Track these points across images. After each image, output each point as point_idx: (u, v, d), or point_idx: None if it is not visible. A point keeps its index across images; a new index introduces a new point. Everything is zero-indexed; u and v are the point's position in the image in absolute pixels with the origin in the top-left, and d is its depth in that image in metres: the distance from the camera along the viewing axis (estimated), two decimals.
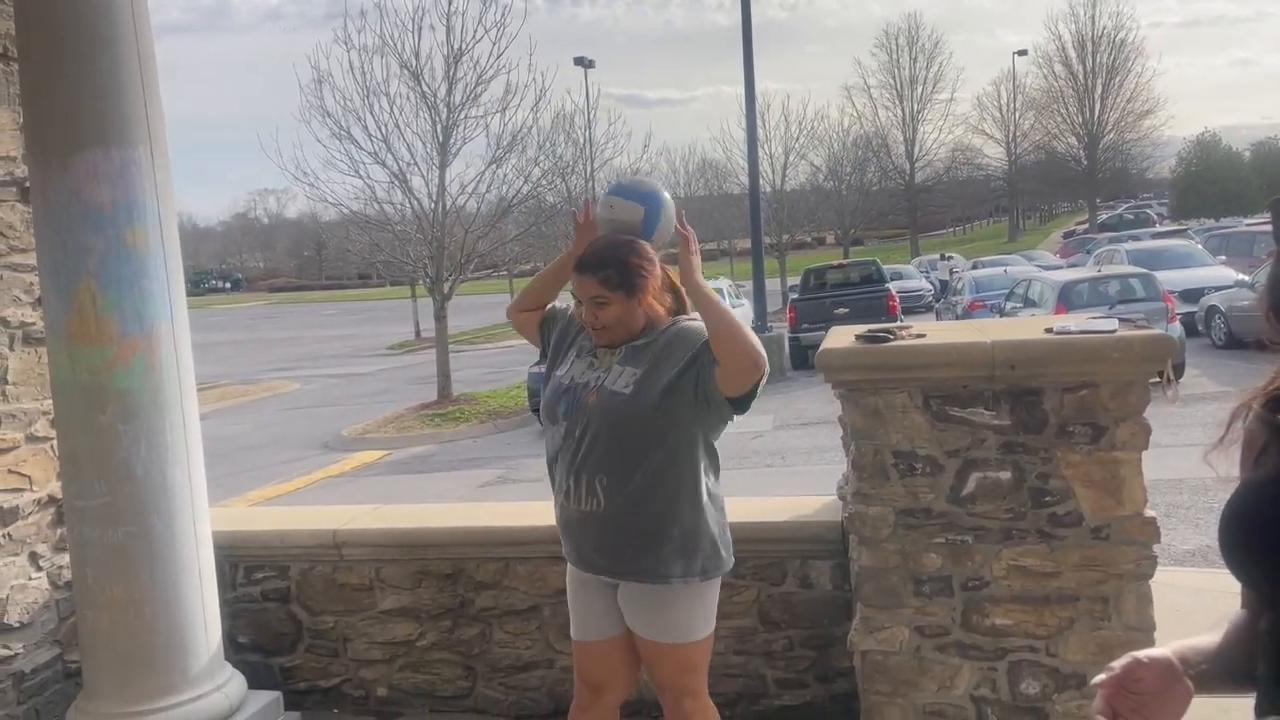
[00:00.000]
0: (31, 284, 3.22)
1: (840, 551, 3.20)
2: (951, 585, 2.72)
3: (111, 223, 2.76)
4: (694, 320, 2.49)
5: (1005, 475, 2.68)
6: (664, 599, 2.40)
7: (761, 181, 23.64)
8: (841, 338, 2.89)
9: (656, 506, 2.37)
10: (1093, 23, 55.04)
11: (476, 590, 3.46)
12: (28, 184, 3.10)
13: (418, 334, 33.12)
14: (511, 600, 3.44)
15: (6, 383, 3.17)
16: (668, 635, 2.42)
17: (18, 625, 3.19)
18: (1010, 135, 59.33)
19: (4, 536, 3.15)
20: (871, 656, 2.78)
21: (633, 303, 2.44)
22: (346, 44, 15.94)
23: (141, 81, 2.86)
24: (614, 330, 2.46)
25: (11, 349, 3.19)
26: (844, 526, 3.10)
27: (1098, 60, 54.73)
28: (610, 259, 2.45)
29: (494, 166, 17.11)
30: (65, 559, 3.27)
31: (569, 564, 2.57)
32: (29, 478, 3.23)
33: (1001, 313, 15.93)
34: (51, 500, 3.28)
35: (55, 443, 3.17)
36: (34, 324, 3.23)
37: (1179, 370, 11.87)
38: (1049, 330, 2.75)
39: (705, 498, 2.43)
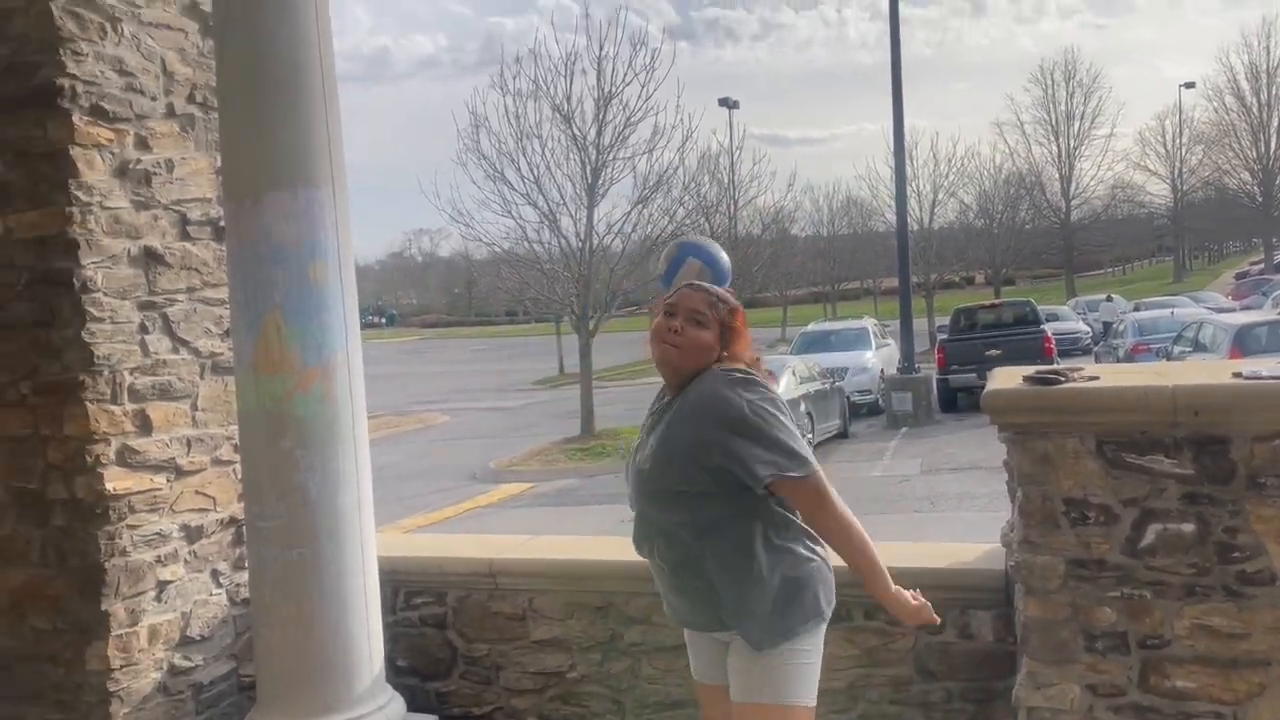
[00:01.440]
0: (221, 317, 3.44)
1: (1003, 601, 3.08)
2: (1128, 642, 2.57)
3: (296, 258, 2.93)
4: (732, 371, 2.33)
5: (1188, 527, 2.52)
6: (745, 658, 2.31)
7: (909, 219, 23.20)
8: (1008, 379, 2.80)
9: (709, 574, 2.30)
10: (1267, 53, 52.11)
11: (627, 624, 3.47)
12: (221, 223, 3.33)
13: (562, 369, 33.77)
14: (660, 637, 3.43)
15: (197, 409, 3.38)
16: (756, 695, 2.30)
17: (199, 638, 3.38)
18: (1176, 171, 56.50)
19: (190, 554, 3.35)
20: (1039, 714, 2.65)
21: (718, 344, 2.36)
22: (502, 89, 16.60)
23: (327, 126, 3.04)
24: (681, 355, 2.34)
25: (202, 377, 3.41)
26: (1008, 575, 2.98)
27: (1274, 92, 51.70)
28: (727, 296, 2.42)
29: (640, 206, 17.41)
30: (242, 577, 3.45)
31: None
32: (214, 499, 3.43)
33: (1169, 357, 15.09)
34: (233, 520, 3.48)
35: (238, 466, 3.37)
36: (222, 354, 3.45)
37: None
38: (1237, 374, 2.59)
39: (764, 557, 2.29)
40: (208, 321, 3.44)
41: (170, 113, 3.34)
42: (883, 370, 19.49)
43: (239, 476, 3.32)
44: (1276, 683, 2.49)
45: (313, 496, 2.96)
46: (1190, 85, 55.77)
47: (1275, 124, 51.52)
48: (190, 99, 3.42)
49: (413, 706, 3.33)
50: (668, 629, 3.42)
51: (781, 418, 2.28)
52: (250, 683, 3.36)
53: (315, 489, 2.96)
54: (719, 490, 2.26)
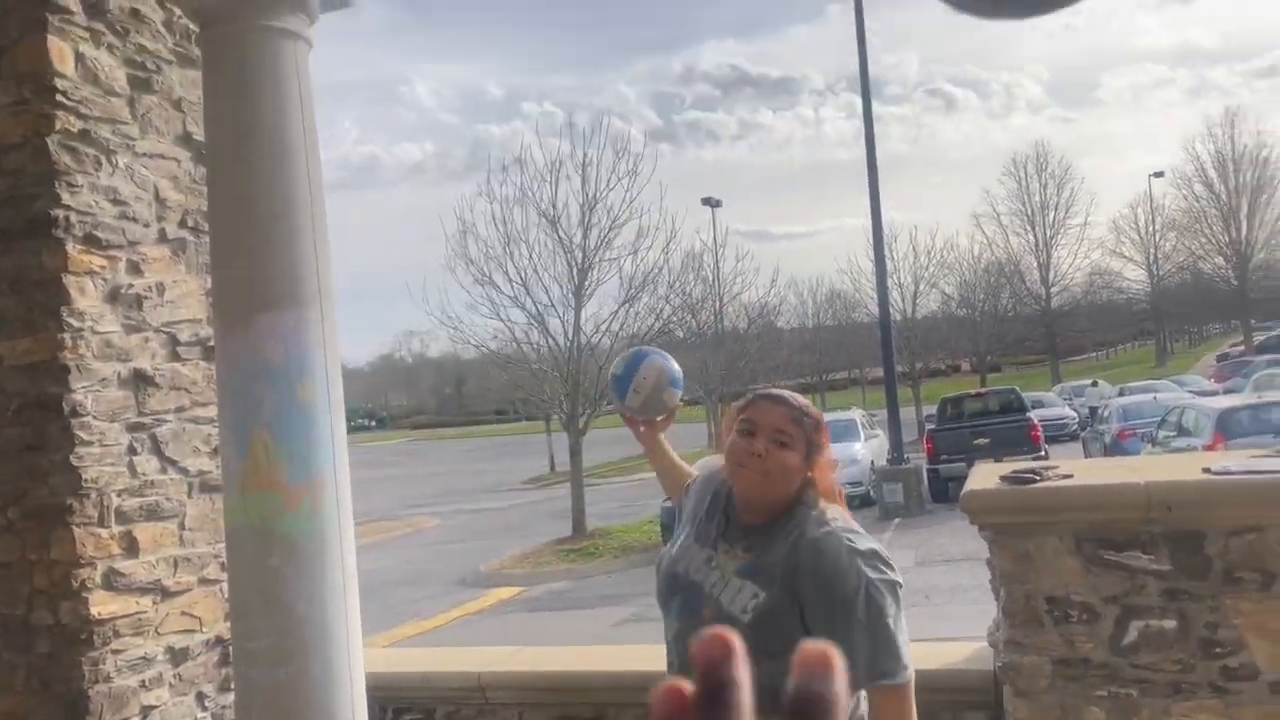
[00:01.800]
0: (210, 435, 3.48)
1: (994, 702, 3.07)
2: None
3: (284, 377, 2.98)
4: (833, 527, 2.02)
5: (1170, 624, 2.55)
6: None
7: (891, 310, 23.52)
8: (986, 478, 2.85)
9: None
10: (1232, 141, 53.63)
11: None
12: (210, 343, 3.39)
13: (552, 468, 33.63)
14: None
15: (184, 528, 3.39)
16: None
17: None
18: (1151, 257, 57.56)
19: (175, 677, 3.32)
20: None
21: (804, 466, 2.06)
22: (489, 197, 16.94)
23: (315, 246, 3.13)
24: (769, 482, 2.04)
25: (190, 496, 3.43)
26: (996, 676, 2.98)
27: (1241, 179, 53.06)
28: (809, 407, 2.15)
29: (626, 306, 17.64)
30: (228, 699, 3.41)
31: None
32: (200, 619, 3.42)
33: (1154, 442, 15.18)
34: (219, 640, 3.45)
35: (224, 585, 3.36)
36: (210, 473, 3.47)
37: None
38: (1207, 470, 2.65)
39: None
40: (196, 440, 3.48)
41: (162, 238, 3.43)
42: (873, 461, 19.49)
43: (225, 595, 3.32)
44: None
45: (300, 614, 2.95)
46: (1159, 174, 57.23)
47: (1245, 209, 52.76)
48: (182, 224, 3.51)
49: None
50: None
51: (898, 607, 1.97)
52: None
53: (303, 606, 2.95)
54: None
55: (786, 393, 2.18)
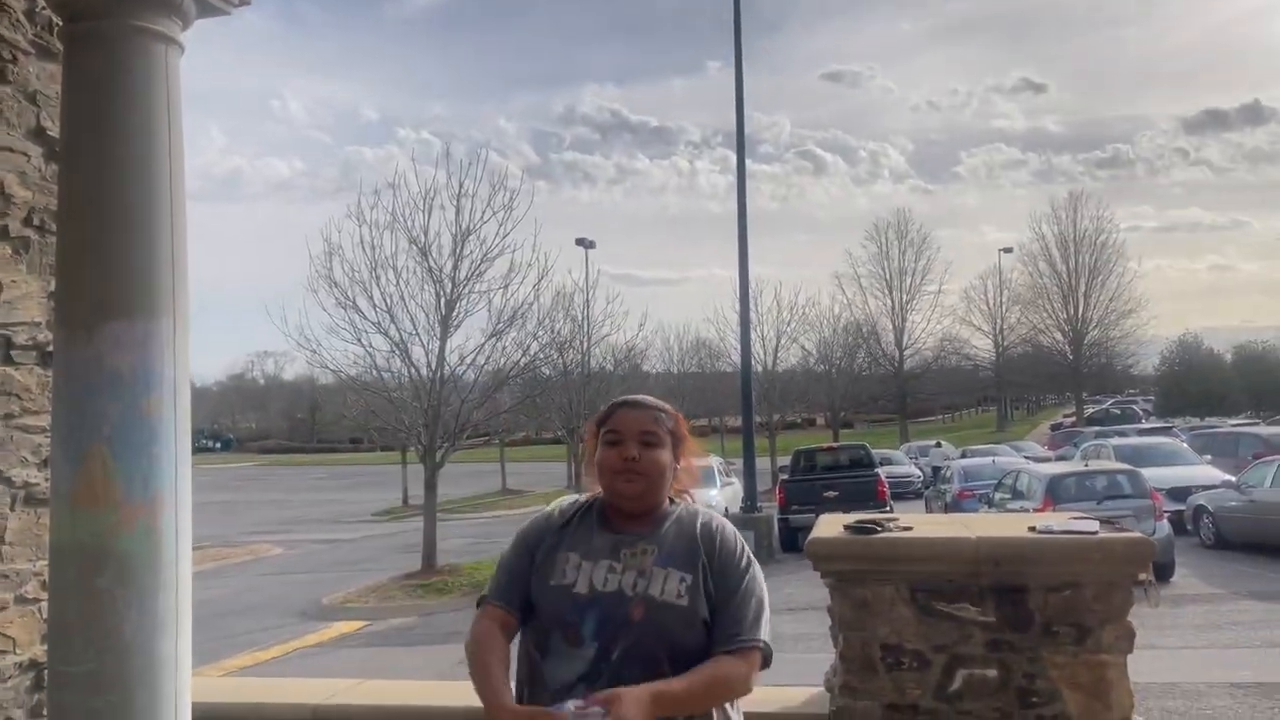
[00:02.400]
0: (40, 445, 3.29)
1: None
2: None
3: (129, 391, 2.85)
4: (711, 512, 2.25)
5: (992, 673, 2.69)
6: None
7: (754, 362, 24.08)
8: (831, 527, 2.96)
9: None
10: (1074, 224, 57.39)
11: None
12: (49, 348, 3.22)
13: (405, 500, 32.88)
14: None
15: (4, 543, 3.19)
16: None
17: None
18: (997, 328, 60.77)
19: None
20: None
21: (673, 459, 2.19)
22: (359, 219, 16.59)
23: (172, 255, 3.02)
24: (649, 483, 2.14)
25: (12, 509, 3.23)
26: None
27: (1080, 260, 56.74)
28: (664, 404, 2.26)
29: (494, 339, 17.51)
30: None
31: None
32: (14, 640, 3.21)
33: (990, 503, 15.96)
34: (33, 664, 3.24)
35: (44, 605, 3.17)
36: (37, 485, 3.28)
37: (1167, 570, 11.82)
38: (1033, 528, 2.82)
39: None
40: (24, 450, 3.28)
41: (4, 235, 3.26)
42: (726, 508, 19.79)
43: (44, 616, 3.13)
44: None
45: (127, 639, 2.80)
46: (1008, 250, 60.68)
47: (1083, 289, 56.38)
48: (27, 221, 3.34)
49: None
50: None
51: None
52: None
53: (131, 631, 2.81)
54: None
55: (641, 396, 2.30)
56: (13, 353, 3.26)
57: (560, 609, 2.09)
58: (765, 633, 2.11)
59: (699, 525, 2.18)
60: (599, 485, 2.23)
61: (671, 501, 2.24)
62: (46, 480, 3.14)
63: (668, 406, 2.28)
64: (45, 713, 2.99)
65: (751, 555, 2.21)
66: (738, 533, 2.23)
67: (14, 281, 3.28)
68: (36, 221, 3.37)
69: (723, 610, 2.08)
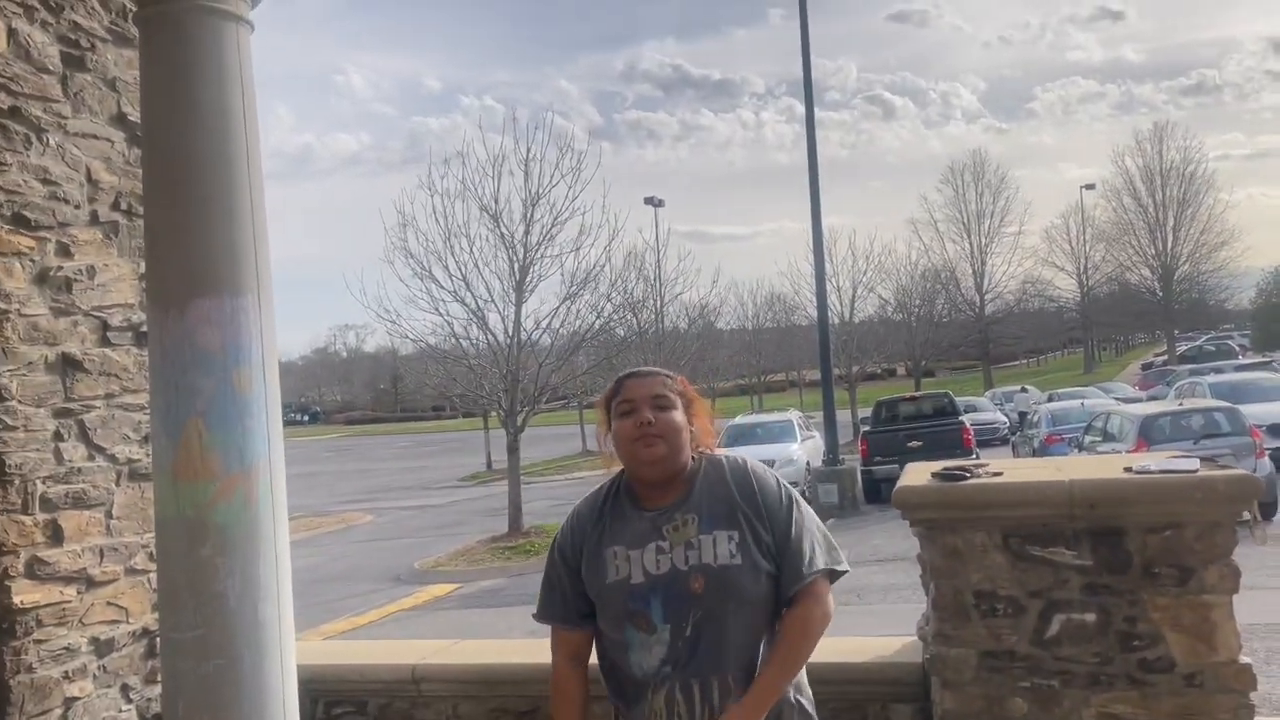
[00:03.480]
0: (140, 423, 3.41)
1: (922, 694, 3.13)
2: None
3: (220, 366, 2.93)
4: (732, 455, 2.31)
5: (1090, 617, 2.63)
6: None
7: (830, 314, 23.79)
8: (918, 475, 2.91)
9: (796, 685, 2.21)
10: (1160, 157, 55.32)
11: None
12: (143, 329, 3.33)
13: (489, 465, 33.45)
14: None
15: (111, 517, 3.32)
16: None
17: None
18: (1081, 267, 59.10)
19: (100, 668, 3.25)
20: None
21: (686, 418, 2.23)
22: (430, 190, 16.77)
23: (253, 233, 3.08)
24: (669, 444, 2.17)
25: (118, 484, 3.35)
26: (925, 668, 3.05)
27: (1168, 193, 54.73)
28: (668, 371, 2.32)
29: (568, 303, 17.61)
30: (154, 691, 3.35)
31: None
32: (126, 610, 3.35)
33: (1080, 447, 15.59)
34: (145, 632, 3.39)
35: (152, 576, 3.30)
36: (140, 461, 3.41)
37: (1270, 509, 11.43)
38: (1128, 469, 2.74)
39: None
40: (126, 428, 3.41)
41: (94, 220, 3.36)
42: (808, 462, 19.72)
43: (153, 586, 3.26)
44: None
45: (232, 605, 2.91)
46: (1090, 187, 58.86)
47: (1171, 223, 54.41)
48: (115, 206, 3.44)
49: None
50: None
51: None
52: None
53: (235, 598, 2.91)
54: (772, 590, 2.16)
55: (643, 367, 2.39)
56: (109, 334, 3.38)
57: (624, 602, 2.14)
58: (823, 558, 2.17)
59: (730, 476, 2.21)
60: (615, 463, 2.28)
61: (693, 459, 2.26)
62: (148, 456, 3.26)
63: (670, 372, 2.32)
64: (160, 678, 3.13)
65: (789, 487, 2.25)
66: (767, 469, 2.27)
67: (106, 265, 3.39)
68: (124, 206, 3.47)
69: (783, 555, 2.14)
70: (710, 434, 2.33)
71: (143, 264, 3.33)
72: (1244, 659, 2.57)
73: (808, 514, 2.23)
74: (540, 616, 2.32)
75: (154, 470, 3.03)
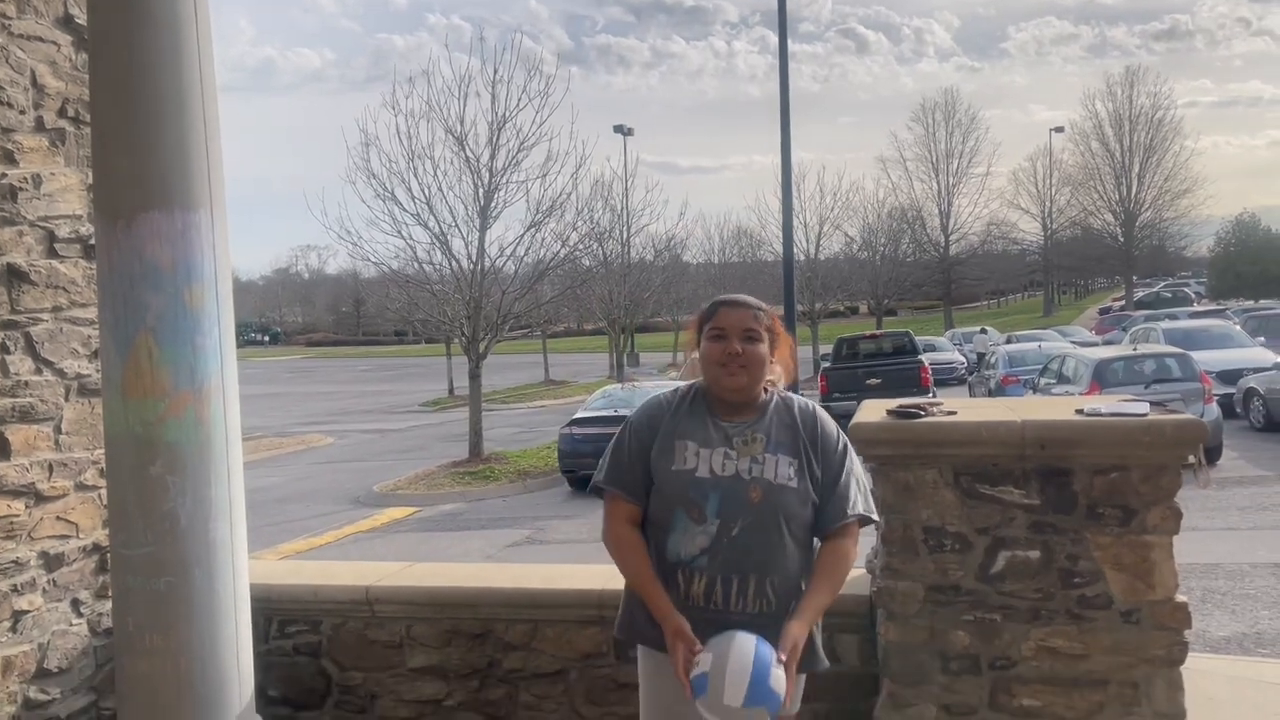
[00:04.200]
0: (89, 337, 3.34)
1: (868, 626, 3.20)
2: (979, 664, 2.72)
3: (171, 282, 2.87)
4: (803, 400, 2.51)
5: (1034, 554, 2.69)
6: (795, 681, 2.32)
7: (795, 250, 23.78)
8: (874, 412, 2.94)
9: (796, 595, 2.36)
10: (1130, 102, 55.36)
11: (505, 651, 3.48)
12: (91, 241, 3.24)
13: (451, 391, 33.39)
14: (539, 663, 3.46)
15: (61, 432, 3.27)
16: (790, 710, 2.34)
17: (56, 670, 3.25)
18: (1046, 211, 59.42)
19: (49, 583, 3.23)
20: None
21: (769, 354, 2.42)
22: (394, 109, 16.41)
23: (206, 146, 3.00)
24: (751, 374, 2.37)
25: (67, 399, 3.30)
26: (872, 600, 3.11)
27: (1135, 139, 54.89)
28: (761, 303, 2.48)
29: (533, 230, 17.44)
30: (105, 606, 3.34)
31: (664, 656, 2.28)
32: (76, 525, 3.32)
33: (1035, 389, 15.83)
34: (96, 548, 3.36)
35: (103, 492, 3.27)
36: (89, 376, 3.35)
37: (1215, 453, 11.72)
38: (1080, 411, 2.78)
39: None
40: (75, 342, 3.34)
41: (39, 126, 3.24)
42: None
43: (104, 503, 3.23)
44: (1114, 700, 2.66)
45: (183, 524, 2.89)
46: (1059, 130, 58.86)
47: (1136, 169, 54.69)
48: (61, 113, 3.32)
49: None
50: (546, 655, 3.45)
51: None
52: (111, 716, 3.25)
53: (186, 516, 2.89)
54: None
55: (741, 296, 2.51)
56: (56, 245, 3.29)
57: (684, 490, 2.32)
58: (862, 504, 2.39)
59: (798, 413, 2.43)
60: (700, 375, 2.47)
61: (765, 390, 2.45)
62: (98, 371, 3.20)
63: (765, 305, 2.48)
64: (110, 593, 3.12)
65: (845, 436, 2.48)
66: (830, 417, 2.47)
67: (53, 174, 3.28)
68: (71, 113, 3.35)
69: (829, 493, 2.35)
70: (789, 371, 2.53)
71: (91, 174, 3.23)
72: (1180, 597, 2.64)
73: (856, 463, 2.44)
74: (606, 482, 2.45)
75: (103, 385, 2.98)
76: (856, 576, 3.36)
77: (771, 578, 2.29)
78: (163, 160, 2.90)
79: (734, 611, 2.28)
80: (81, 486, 3.34)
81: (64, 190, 3.32)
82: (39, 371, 3.21)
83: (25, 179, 3.18)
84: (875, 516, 2.45)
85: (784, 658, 2.17)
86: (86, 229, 3.34)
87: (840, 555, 2.35)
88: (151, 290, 2.87)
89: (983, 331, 36.66)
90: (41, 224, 3.24)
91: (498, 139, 16.65)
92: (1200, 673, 3.37)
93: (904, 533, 2.76)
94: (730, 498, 2.29)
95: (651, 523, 2.39)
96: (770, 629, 2.25)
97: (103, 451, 3.14)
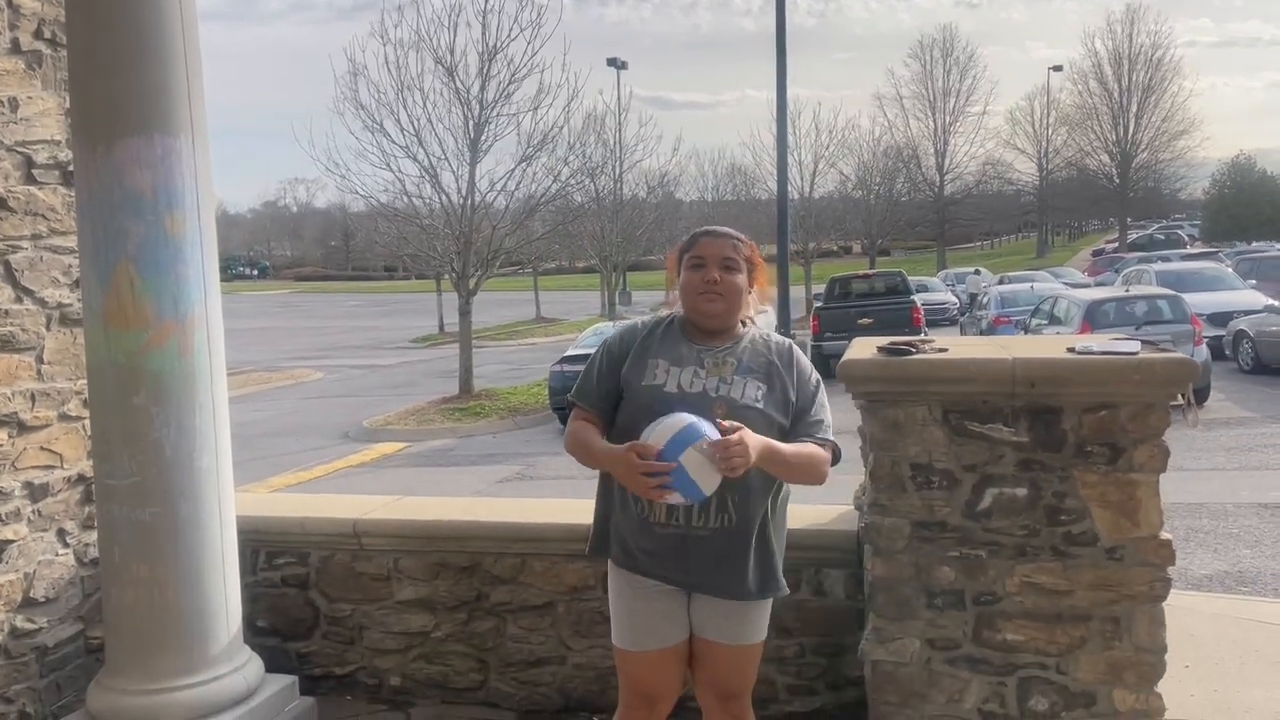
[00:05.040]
0: (70, 266, 3.29)
1: (855, 561, 3.22)
2: (964, 599, 2.73)
3: (151, 209, 2.82)
4: (779, 336, 2.58)
5: (1021, 492, 2.69)
6: (758, 606, 2.48)
7: (790, 188, 23.59)
8: (864, 349, 2.91)
9: (776, 520, 2.47)
10: (1130, 40, 54.71)
11: (492, 584, 3.50)
12: (70, 168, 3.17)
13: (441, 328, 33.31)
14: (526, 596, 3.47)
15: (42, 362, 3.24)
16: (754, 637, 2.50)
17: (43, 600, 3.25)
18: (1042, 150, 59.00)
19: (34, 513, 3.22)
20: (882, 666, 2.79)
21: (747, 284, 2.49)
22: (383, 38, 16.11)
23: (186, 71, 2.92)
24: (728, 301, 2.44)
25: (48, 329, 3.26)
26: (859, 536, 3.12)
27: (1134, 78, 54.35)
28: (739, 234, 2.53)
29: (524, 164, 17.25)
30: (92, 536, 3.34)
31: (630, 574, 2.44)
32: (60, 455, 3.30)
33: (1026, 329, 15.86)
34: (81, 479, 3.35)
35: (87, 422, 3.24)
36: (71, 305, 3.30)
37: (1203, 394, 11.79)
38: (1071, 349, 2.76)
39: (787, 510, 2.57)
40: (55, 271, 3.29)
41: (15, 49, 3.15)
42: None
43: (89, 433, 3.20)
44: (1096, 635, 2.68)
45: (168, 454, 2.87)
46: (1058, 68, 58.22)
47: (1134, 109, 54.23)
48: (38, 35, 3.23)
49: (272, 667, 3.28)
50: (534, 588, 3.47)
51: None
52: (99, 645, 3.27)
53: (170, 447, 2.87)
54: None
55: (720, 226, 2.57)
56: (34, 171, 3.22)
57: (652, 404, 2.36)
58: (832, 436, 2.48)
59: (773, 346, 2.51)
60: (680, 306, 2.53)
61: (743, 324, 2.53)
62: (80, 301, 3.15)
63: (744, 236, 2.54)
64: (96, 524, 3.11)
65: (819, 376, 2.57)
66: (804, 352, 2.57)
67: (30, 98, 3.20)
68: (47, 34, 3.26)
69: (802, 418, 2.44)
70: (767, 298, 2.63)
71: (69, 98, 3.15)
72: (1165, 535, 2.65)
73: (825, 397, 2.53)
74: (572, 395, 2.54)
75: (85, 315, 2.94)
76: (845, 512, 3.37)
77: (731, 495, 2.32)
78: (141, 84, 2.83)
79: (695, 526, 2.35)
80: (65, 417, 3.31)
81: (41, 114, 3.24)
82: (19, 300, 3.17)
83: (1, 102, 3.10)
84: (841, 456, 2.50)
85: (724, 425, 2.23)
86: (65, 155, 3.27)
87: (815, 451, 2.41)
88: (132, 217, 2.82)
89: (976, 272, 36.60)
90: (19, 149, 3.17)
91: (488, 70, 16.40)
92: (1182, 609, 3.40)
93: (892, 469, 2.76)
94: (694, 413, 2.29)
95: (619, 435, 2.41)
96: (731, 545, 2.35)
97: (85, 382, 3.11)
